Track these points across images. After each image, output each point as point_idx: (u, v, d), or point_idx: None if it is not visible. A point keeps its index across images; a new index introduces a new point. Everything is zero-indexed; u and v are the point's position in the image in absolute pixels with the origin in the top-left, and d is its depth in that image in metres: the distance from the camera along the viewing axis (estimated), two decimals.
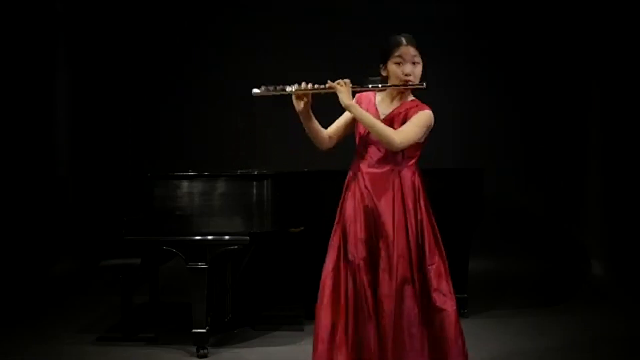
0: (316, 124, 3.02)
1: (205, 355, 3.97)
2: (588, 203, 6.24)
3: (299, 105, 2.92)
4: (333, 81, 2.90)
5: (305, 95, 2.91)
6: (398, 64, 2.93)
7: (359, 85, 2.96)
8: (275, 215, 4.00)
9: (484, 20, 6.24)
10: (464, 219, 4.77)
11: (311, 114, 2.97)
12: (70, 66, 6.35)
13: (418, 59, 2.96)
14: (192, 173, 4.01)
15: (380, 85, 2.97)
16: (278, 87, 2.91)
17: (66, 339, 4.34)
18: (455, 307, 2.94)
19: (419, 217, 2.96)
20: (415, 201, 2.98)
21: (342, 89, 2.88)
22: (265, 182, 3.97)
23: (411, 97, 3.04)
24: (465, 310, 4.83)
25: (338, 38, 5.96)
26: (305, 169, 4.51)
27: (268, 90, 2.92)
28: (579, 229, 6.29)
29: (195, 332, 3.96)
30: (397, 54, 2.93)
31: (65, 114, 6.35)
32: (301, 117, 2.97)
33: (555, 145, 6.28)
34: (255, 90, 2.95)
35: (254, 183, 3.95)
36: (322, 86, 2.90)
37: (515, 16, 6.23)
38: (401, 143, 2.87)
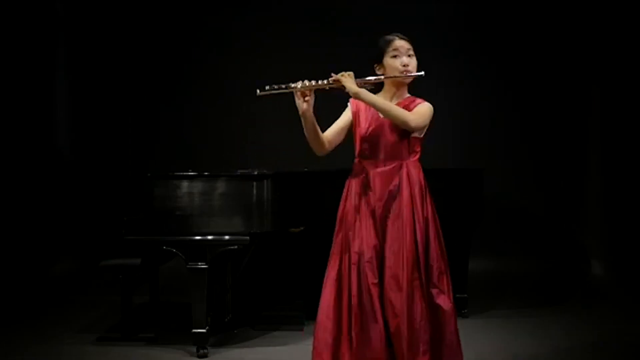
0: (317, 126, 2.97)
1: (205, 355, 3.97)
2: (588, 203, 6.24)
3: (302, 105, 2.88)
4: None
5: (309, 93, 2.89)
6: (395, 57, 3.00)
7: (361, 76, 2.97)
8: (275, 215, 4.00)
9: (484, 20, 6.24)
10: (464, 219, 4.77)
11: (313, 115, 2.93)
12: (70, 67, 6.35)
13: (412, 52, 3.03)
14: (192, 173, 4.00)
15: (382, 77, 3.01)
16: (282, 86, 2.90)
17: (66, 339, 4.34)
18: (453, 306, 2.95)
19: (425, 214, 2.97)
20: (423, 198, 2.99)
21: (347, 79, 2.89)
22: (265, 182, 3.97)
23: (407, 95, 3.07)
24: (465, 310, 4.83)
25: (338, 38, 5.96)
26: (305, 169, 4.51)
27: (273, 88, 2.91)
28: (579, 229, 6.29)
29: (195, 332, 3.96)
30: (392, 47, 3.00)
31: (66, 114, 6.35)
32: (303, 118, 2.92)
33: (555, 146, 6.28)
34: (260, 90, 2.93)
35: (254, 183, 3.95)
36: (325, 81, 2.89)
37: (516, 16, 6.23)
38: (415, 121, 2.92)
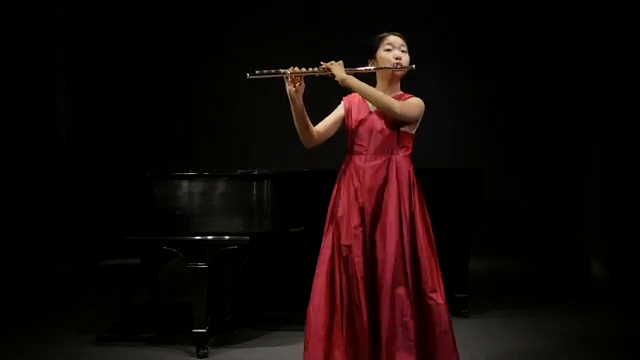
0: (306, 115, 3.03)
1: (205, 355, 3.97)
2: (588, 202, 6.24)
3: (291, 91, 2.94)
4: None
5: (299, 79, 2.94)
6: (388, 50, 3.05)
7: (351, 66, 3.02)
8: (275, 215, 4.00)
9: (483, 20, 6.24)
10: (464, 219, 4.77)
11: (302, 102, 2.99)
12: (71, 67, 6.35)
13: (405, 49, 3.07)
14: (192, 173, 4.01)
15: (372, 68, 3.07)
16: (273, 71, 2.95)
17: (66, 339, 4.34)
18: (445, 301, 2.94)
19: (412, 209, 2.98)
20: (410, 193, 2.99)
21: (336, 67, 2.96)
22: (265, 182, 3.97)
23: (400, 91, 3.10)
24: (465, 310, 4.83)
25: (338, 38, 5.96)
26: (305, 169, 4.51)
27: (263, 72, 2.95)
28: (579, 228, 6.29)
29: (195, 332, 3.97)
30: (386, 42, 3.06)
31: (66, 114, 6.35)
32: (292, 104, 2.98)
33: (555, 146, 6.28)
34: (249, 74, 2.98)
35: (254, 183, 3.95)
36: (315, 68, 2.95)
37: (516, 16, 6.22)
38: (401, 109, 2.95)
